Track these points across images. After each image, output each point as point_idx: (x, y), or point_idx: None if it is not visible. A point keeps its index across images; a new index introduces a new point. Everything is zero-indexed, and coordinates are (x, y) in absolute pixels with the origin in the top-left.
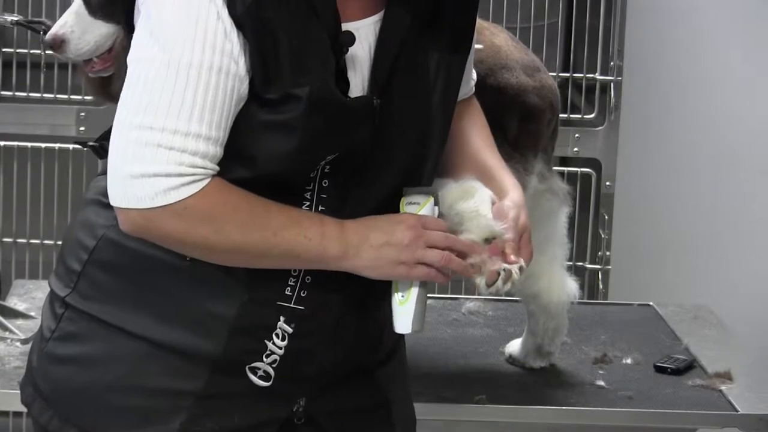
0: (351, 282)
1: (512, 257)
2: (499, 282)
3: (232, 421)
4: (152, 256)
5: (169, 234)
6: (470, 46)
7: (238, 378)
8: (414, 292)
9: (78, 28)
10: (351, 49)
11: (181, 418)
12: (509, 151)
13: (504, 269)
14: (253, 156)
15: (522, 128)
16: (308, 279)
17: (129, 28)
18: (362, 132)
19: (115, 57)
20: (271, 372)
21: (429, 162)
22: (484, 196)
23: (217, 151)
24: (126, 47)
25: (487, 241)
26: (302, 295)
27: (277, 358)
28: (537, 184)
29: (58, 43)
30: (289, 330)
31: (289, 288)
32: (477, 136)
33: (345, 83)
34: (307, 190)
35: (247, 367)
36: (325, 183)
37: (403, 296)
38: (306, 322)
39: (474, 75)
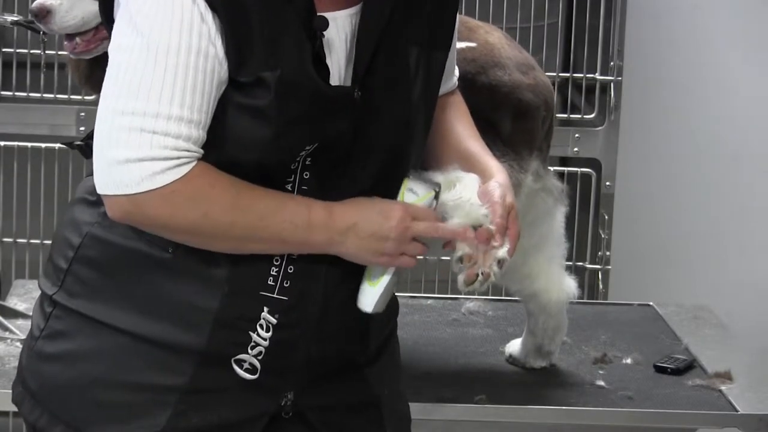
0: (334, 272)
1: (498, 239)
2: (476, 284)
3: (219, 415)
4: (135, 249)
5: (156, 219)
6: (450, 42)
7: (224, 371)
8: (386, 278)
9: (67, 2)
10: (327, 36)
11: (168, 413)
12: (503, 149)
13: (482, 272)
14: (230, 142)
15: (516, 126)
16: (291, 269)
17: (107, 20)
18: (341, 123)
19: (88, 42)
20: (257, 364)
21: (411, 156)
22: (468, 183)
23: (200, 134)
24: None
25: (474, 228)
26: (285, 285)
27: (263, 349)
28: (532, 183)
29: (44, 13)
30: (273, 321)
31: (271, 278)
32: (459, 125)
33: (324, 69)
34: (288, 182)
35: (232, 360)
36: (306, 175)
37: (374, 278)
38: (290, 313)
39: (456, 71)
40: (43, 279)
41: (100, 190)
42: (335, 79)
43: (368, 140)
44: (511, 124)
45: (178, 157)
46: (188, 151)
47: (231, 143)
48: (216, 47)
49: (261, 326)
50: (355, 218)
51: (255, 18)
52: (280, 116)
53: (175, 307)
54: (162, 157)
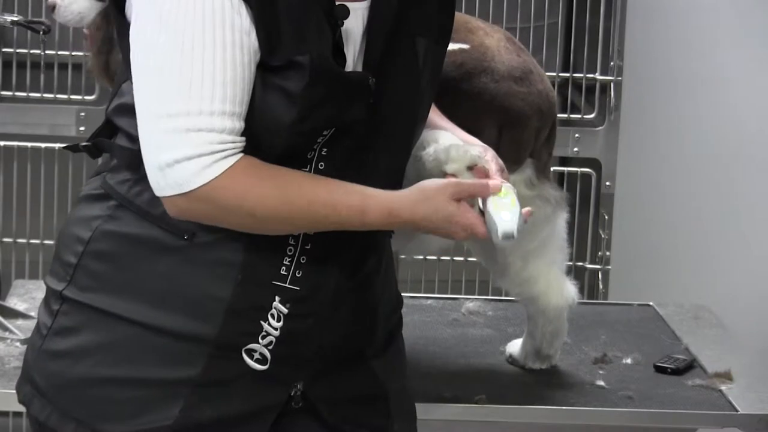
0: (347, 262)
1: (497, 177)
2: None
3: (231, 407)
4: (149, 237)
5: (210, 214)
6: (449, 40)
7: (235, 362)
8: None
9: None
10: (346, 25)
11: (180, 405)
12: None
13: None
14: (257, 125)
15: (502, 135)
16: (303, 259)
17: (118, 11)
18: (357, 108)
19: (92, 36)
20: (267, 354)
21: (413, 146)
22: (447, 135)
23: (241, 125)
24: (101, 26)
25: (470, 168)
26: (297, 275)
27: (273, 339)
28: (524, 190)
29: (51, 7)
30: (285, 311)
31: (284, 268)
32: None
33: (342, 57)
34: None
35: (243, 350)
36: (321, 166)
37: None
38: (301, 303)
39: None
40: (50, 277)
41: (158, 194)
42: (349, 68)
43: (380, 127)
44: (496, 132)
45: (223, 150)
46: (233, 143)
47: (258, 126)
48: (251, 38)
49: (272, 316)
50: (415, 221)
51: (282, 5)
52: (306, 98)
53: (188, 296)
54: (209, 152)
